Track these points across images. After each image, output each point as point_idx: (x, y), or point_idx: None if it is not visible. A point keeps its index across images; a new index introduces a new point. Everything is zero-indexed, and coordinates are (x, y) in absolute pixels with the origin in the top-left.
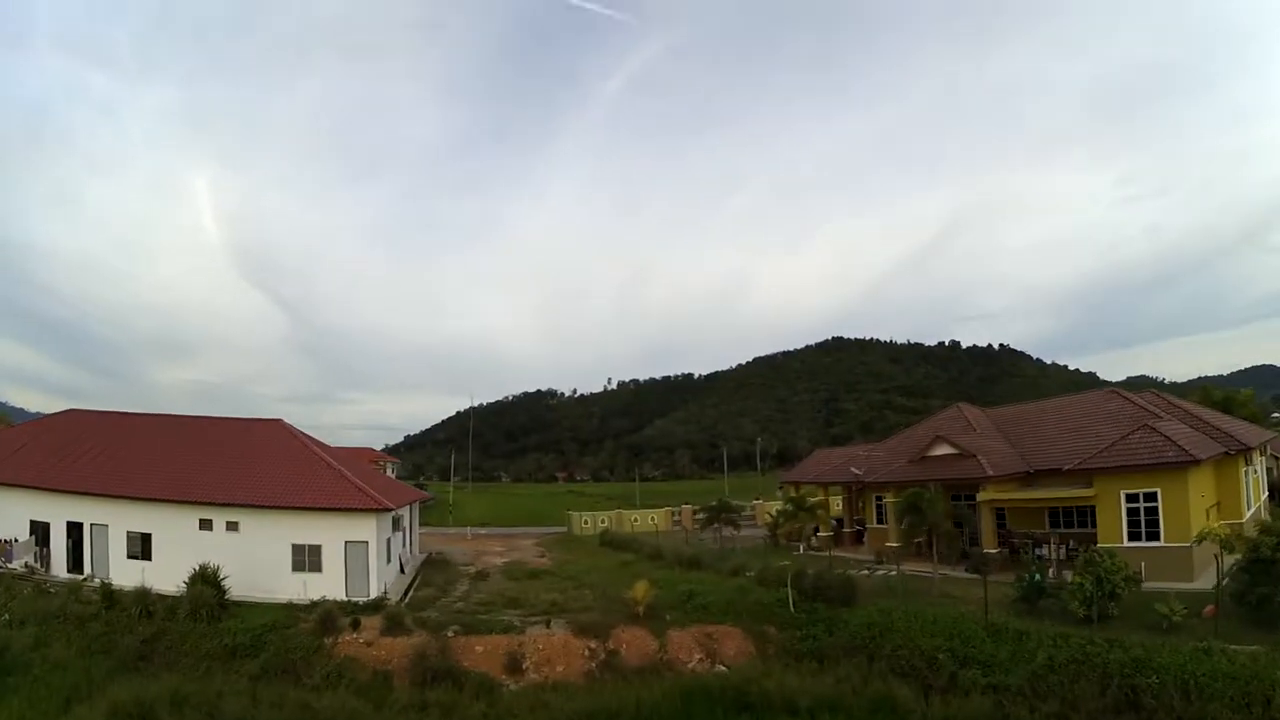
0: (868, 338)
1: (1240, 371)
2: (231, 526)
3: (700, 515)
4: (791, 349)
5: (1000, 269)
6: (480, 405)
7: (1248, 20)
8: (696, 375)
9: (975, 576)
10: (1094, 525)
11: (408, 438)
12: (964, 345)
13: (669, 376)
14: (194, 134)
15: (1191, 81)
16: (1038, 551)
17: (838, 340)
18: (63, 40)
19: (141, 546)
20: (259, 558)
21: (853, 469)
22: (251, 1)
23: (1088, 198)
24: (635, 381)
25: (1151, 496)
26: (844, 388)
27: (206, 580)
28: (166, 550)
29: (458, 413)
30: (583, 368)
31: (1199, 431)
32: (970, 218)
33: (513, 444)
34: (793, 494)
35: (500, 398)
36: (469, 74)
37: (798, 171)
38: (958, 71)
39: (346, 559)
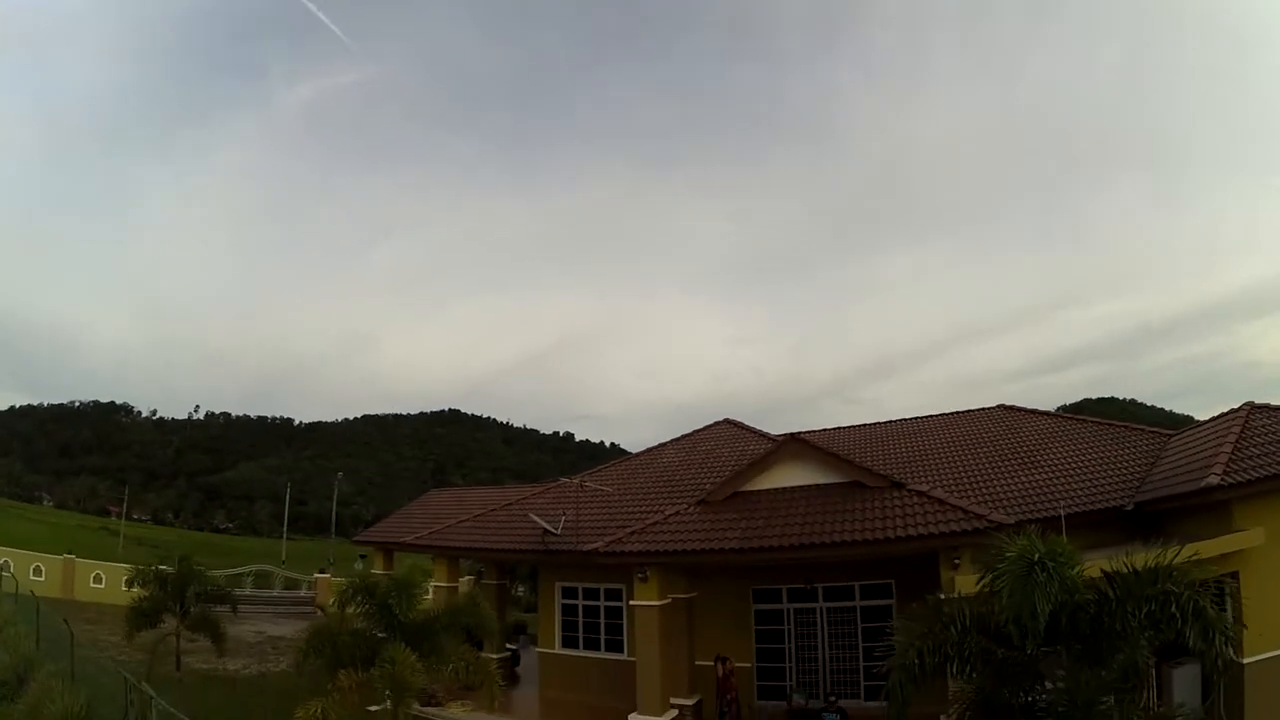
0: (485, 416)
1: None
2: None
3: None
4: (405, 413)
5: (616, 379)
6: (38, 406)
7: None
8: (298, 422)
9: None
10: None
11: None
12: (577, 439)
13: (266, 418)
14: None
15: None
16: None
17: (454, 413)
18: None
19: None
20: None
21: (534, 517)
22: None
23: (705, 335)
24: (226, 416)
25: None
26: (453, 461)
27: None
28: None
29: (12, 408)
30: (169, 387)
31: None
32: (601, 327)
33: (67, 461)
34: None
35: (65, 401)
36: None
37: (448, 239)
38: (622, 195)
39: None
